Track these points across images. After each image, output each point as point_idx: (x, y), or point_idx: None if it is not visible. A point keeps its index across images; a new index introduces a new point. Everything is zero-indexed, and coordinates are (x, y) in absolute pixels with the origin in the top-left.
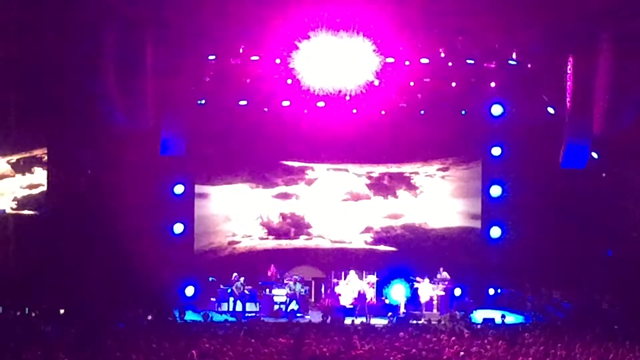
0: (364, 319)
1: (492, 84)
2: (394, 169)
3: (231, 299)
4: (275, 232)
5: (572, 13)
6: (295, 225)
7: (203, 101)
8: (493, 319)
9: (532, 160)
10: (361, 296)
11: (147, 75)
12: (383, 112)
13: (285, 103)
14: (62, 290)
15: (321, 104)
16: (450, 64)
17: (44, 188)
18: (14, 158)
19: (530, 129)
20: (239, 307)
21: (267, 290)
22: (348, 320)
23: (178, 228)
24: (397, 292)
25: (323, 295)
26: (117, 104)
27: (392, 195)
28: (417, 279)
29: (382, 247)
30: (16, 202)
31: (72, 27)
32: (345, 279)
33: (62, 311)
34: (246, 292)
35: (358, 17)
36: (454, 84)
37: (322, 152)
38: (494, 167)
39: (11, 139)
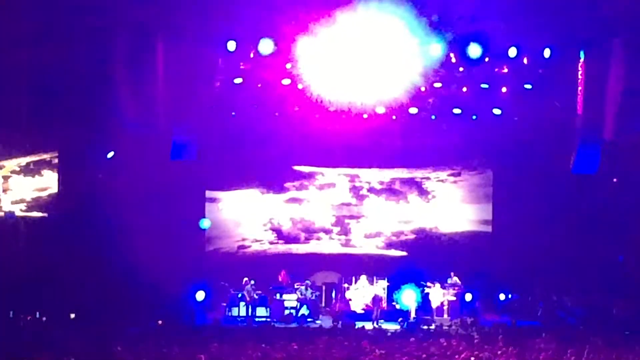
0: (375, 324)
1: (504, 89)
2: (405, 174)
3: (242, 303)
4: (285, 237)
5: (583, 18)
6: (306, 230)
7: (214, 106)
8: (504, 324)
9: (543, 166)
10: (376, 301)
11: (158, 80)
12: (394, 117)
13: (296, 108)
14: (73, 294)
15: (332, 108)
16: (461, 69)
17: (53, 191)
18: (24, 161)
19: (541, 134)
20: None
21: (278, 295)
22: (359, 326)
23: (189, 233)
24: (408, 297)
25: (334, 301)
26: (128, 108)
27: (404, 200)
28: (428, 284)
29: (392, 252)
30: (26, 205)
31: (84, 32)
32: (355, 283)
33: (72, 316)
34: (255, 296)
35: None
36: (465, 89)
37: (332, 157)
38: (505, 172)
39: (22, 142)
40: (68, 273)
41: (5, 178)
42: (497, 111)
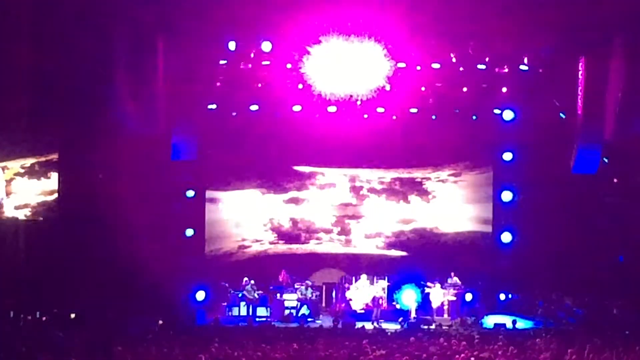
0: (375, 324)
1: (504, 89)
2: (405, 174)
3: (242, 303)
4: (285, 237)
5: (583, 18)
6: (306, 230)
7: (214, 106)
8: (504, 324)
9: (543, 166)
10: (376, 301)
11: (159, 80)
12: (394, 117)
13: (297, 108)
14: (73, 294)
15: (332, 109)
16: (461, 69)
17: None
18: (29, 162)
19: (541, 134)
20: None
21: (278, 295)
22: (359, 325)
23: (189, 233)
24: (408, 297)
25: (334, 300)
26: (128, 108)
27: (404, 200)
28: (428, 284)
29: (393, 252)
30: (30, 210)
31: (84, 32)
32: (355, 283)
33: (73, 316)
34: (256, 296)
35: (369, 22)
36: (465, 89)
37: (333, 157)
38: (505, 172)
39: (24, 144)
40: (68, 273)
41: (9, 181)
42: (497, 111)
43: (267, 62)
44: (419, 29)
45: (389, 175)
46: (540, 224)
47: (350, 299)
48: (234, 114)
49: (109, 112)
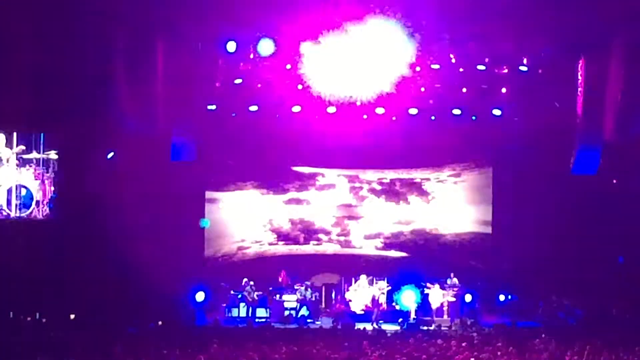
0: (375, 325)
1: (503, 90)
2: (405, 174)
3: (242, 304)
4: (285, 238)
5: (583, 18)
6: (306, 231)
7: (214, 106)
8: (504, 325)
9: (543, 166)
10: (375, 303)
11: (158, 80)
12: (394, 118)
13: (296, 109)
14: (72, 295)
15: (332, 109)
16: (461, 69)
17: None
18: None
19: (541, 135)
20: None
21: (278, 296)
22: (359, 326)
23: (188, 234)
24: (408, 298)
25: (334, 301)
26: (128, 108)
27: (404, 201)
28: (428, 284)
29: (392, 253)
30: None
31: (84, 33)
32: (355, 284)
33: (72, 316)
34: (255, 297)
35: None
36: (464, 90)
37: (332, 158)
38: (504, 173)
39: (24, 144)
40: (68, 273)
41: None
42: (497, 112)
43: (267, 63)
44: (418, 29)
45: (388, 176)
46: (539, 224)
47: (350, 300)
48: (234, 114)
49: (109, 112)
